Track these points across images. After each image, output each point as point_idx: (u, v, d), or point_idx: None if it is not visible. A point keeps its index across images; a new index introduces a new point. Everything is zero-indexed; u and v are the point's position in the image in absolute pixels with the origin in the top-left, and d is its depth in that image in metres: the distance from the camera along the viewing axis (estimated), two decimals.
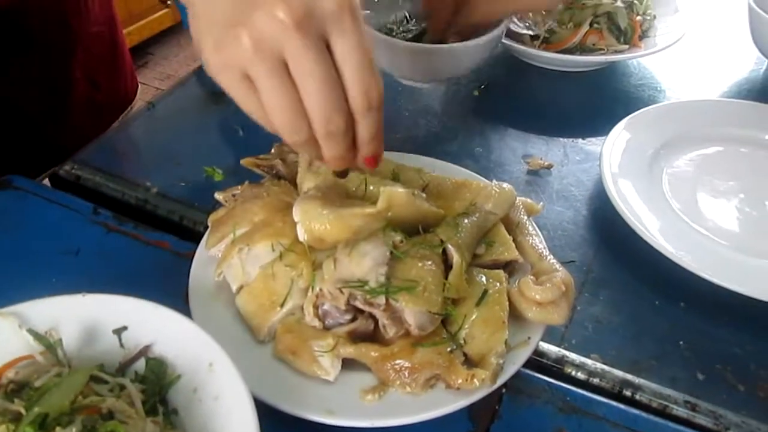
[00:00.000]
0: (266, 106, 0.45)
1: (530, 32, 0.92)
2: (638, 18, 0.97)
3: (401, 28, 0.88)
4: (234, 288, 0.57)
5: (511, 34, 0.97)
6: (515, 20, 0.89)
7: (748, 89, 0.96)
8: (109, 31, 1.03)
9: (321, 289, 0.52)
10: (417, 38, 0.85)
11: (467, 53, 0.81)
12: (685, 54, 1.00)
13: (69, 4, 0.94)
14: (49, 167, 0.80)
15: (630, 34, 0.95)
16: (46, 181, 0.81)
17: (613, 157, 0.76)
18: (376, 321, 0.52)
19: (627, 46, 0.95)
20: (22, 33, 0.88)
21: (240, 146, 0.80)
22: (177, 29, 2.99)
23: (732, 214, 0.73)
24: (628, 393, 0.58)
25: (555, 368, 0.59)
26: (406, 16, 0.88)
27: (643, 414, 0.55)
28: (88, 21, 0.97)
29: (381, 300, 0.50)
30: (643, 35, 0.97)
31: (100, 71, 1.02)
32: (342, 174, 0.54)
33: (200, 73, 0.93)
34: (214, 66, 0.45)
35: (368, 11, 0.86)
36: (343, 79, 0.45)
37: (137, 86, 1.12)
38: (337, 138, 0.46)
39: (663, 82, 0.96)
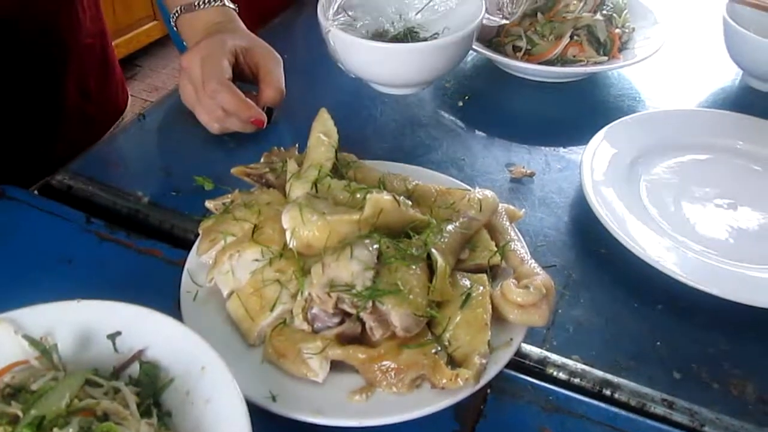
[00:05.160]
0: None
1: (506, 21, 0.95)
2: (617, 30, 0.99)
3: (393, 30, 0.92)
4: (225, 293, 0.59)
5: (494, 47, 1.00)
6: (488, 15, 0.93)
7: (724, 99, 0.99)
8: (100, 43, 1.04)
9: (310, 294, 0.54)
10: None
11: (447, 49, 0.87)
12: (663, 65, 1.03)
13: (62, 17, 0.95)
14: (40, 178, 0.81)
15: (609, 46, 0.98)
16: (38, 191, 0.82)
17: (593, 165, 0.78)
18: (363, 324, 0.54)
19: (606, 58, 0.97)
20: (16, 45, 0.89)
21: (230, 156, 0.81)
22: (165, 42, 3.00)
23: (707, 219, 0.75)
24: (607, 392, 0.59)
25: (537, 369, 0.61)
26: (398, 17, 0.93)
27: (623, 412, 0.57)
28: (80, 33, 0.99)
29: (368, 303, 0.52)
30: (623, 47, 1.00)
31: (91, 83, 1.03)
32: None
33: None
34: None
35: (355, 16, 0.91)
36: None
37: (128, 98, 1.14)
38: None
39: (642, 93, 0.98)
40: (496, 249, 0.61)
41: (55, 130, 0.99)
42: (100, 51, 1.05)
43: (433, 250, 0.56)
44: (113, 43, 1.13)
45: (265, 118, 0.81)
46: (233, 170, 0.68)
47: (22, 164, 0.92)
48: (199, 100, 0.81)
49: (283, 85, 0.84)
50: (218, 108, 0.80)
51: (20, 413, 0.45)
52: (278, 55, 0.86)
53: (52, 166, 0.82)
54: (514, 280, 0.57)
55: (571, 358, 0.61)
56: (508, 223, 0.64)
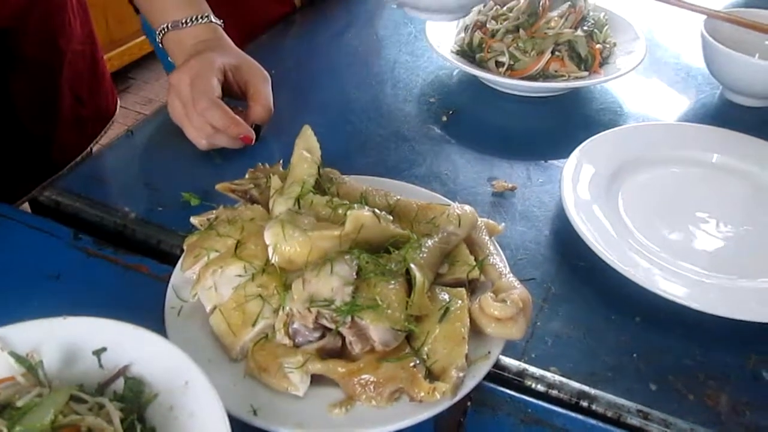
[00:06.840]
0: None
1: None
2: (598, 46, 1.01)
3: None
4: (208, 308, 0.59)
5: (478, 63, 1.01)
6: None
7: (704, 113, 1.01)
8: (90, 47, 1.06)
9: (291, 309, 0.55)
10: None
11: None
12: (644, 79, 1.05)
13: (57, 24, 0.97)
14: (34, 185, 0.82)
15: (590, 62, 0.99)
16: (27, 207, 0.83)
17: (573, 179, 0.79)
18: (343, 338, 0.55)
19: (587, 73, 0.99)
20: (15, 54, 0.91)
21: (217, 172, 0.82)
22: None
23: (685, 233, 0.76)
24: (585, 404, 0.61)
25: (516, 381, 0.62)
26: None
27: (600, 423, 0.58)
28: (72, 39, 1.01)
29: (347, 318, 0.53)
30: (604, 61, 1.02)
31: (83, 87, 1.05)
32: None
33: None
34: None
35: None
36: None
37: (117, 101, 1.16)
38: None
39: (623, 106, 1.00)
40: (475, 263, 0.62)
41: (53, 135, 1.01)
42: (90, 55, 1.06)
43: (412, 265, 0.57)
44: (105, 57, 1.14)
45: (253, 135, 0.83)
46: (218, 186, 0.69)
47: (17, 172, 0.94)
48: (189, 116, 0.82)
49: (272, 102, 0.86)
50: (207, 125, 0.81)
51: (5, 429, 0.46)
52: (266, 73, 0.87)
53: (47, 171, 0.83)
54: (492, 294, 0.59)
55: (549, 370, 0.62)
56: (487, 238, 0.66)
